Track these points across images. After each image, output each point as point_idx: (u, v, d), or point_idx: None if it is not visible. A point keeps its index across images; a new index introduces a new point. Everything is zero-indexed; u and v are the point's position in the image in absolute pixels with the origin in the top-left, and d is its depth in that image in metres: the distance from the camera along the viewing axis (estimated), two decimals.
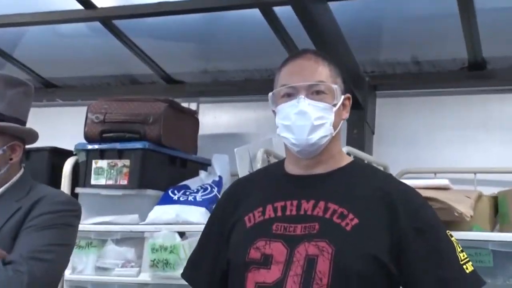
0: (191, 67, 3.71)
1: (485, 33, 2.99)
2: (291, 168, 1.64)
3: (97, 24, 3.31)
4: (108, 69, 3.83)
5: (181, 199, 2.90)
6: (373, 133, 3.43)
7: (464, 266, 1.45)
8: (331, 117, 1.55)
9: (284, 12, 2.97)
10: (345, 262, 1.43)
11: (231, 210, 1.68)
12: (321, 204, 1.51)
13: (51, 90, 4.09)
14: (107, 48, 3.56)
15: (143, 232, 2.80)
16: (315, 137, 1.53)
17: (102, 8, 3.13)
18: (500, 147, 3.28)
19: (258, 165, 2.80)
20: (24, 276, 1.76)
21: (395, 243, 1.45)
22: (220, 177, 3.05)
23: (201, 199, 2.88)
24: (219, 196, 2.90)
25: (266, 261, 1.50)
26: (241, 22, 3.25)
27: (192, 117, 3.41)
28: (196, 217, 2.78)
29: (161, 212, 2.85)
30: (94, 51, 3.65)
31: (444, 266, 1.44)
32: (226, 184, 3.03)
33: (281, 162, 1.74)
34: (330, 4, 2.75)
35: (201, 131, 3.53)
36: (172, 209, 2.84)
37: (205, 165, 3.36)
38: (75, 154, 3.11)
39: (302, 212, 1.53)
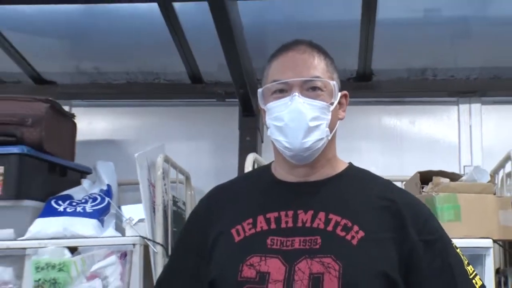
0: (64, 66, 3.40)
1: (378, 45, 3.04)
2: (283, 174, 1.47)
3: None
4: None
5: (68, 210, 2.60)
6: (262, 141, 3.33)
7: (474, 281, 1.38)
8: (327, 117, 1.39)
9: (182, 10, 2.82)
10: (355, 280, 1.28)
11: (210, 222, 1.48)
12: (321, 215, 1.36)
13: None
14: None
15: (24, 248, 2.46)
16: (310, 140, 1.37)
17: None
18: (381, 156, 3.37)
19: (159, 173, 2.63)
20: None
21: (404, 258, 1.33)
22: (108, 185, 2.81)
23: (91, 210, 2.61)
24: (111, 207, 2.67)
25: (262, 280, 1.31)
26: (127, 17, 3.04)
27: (71, 121, 3.09)
28: (88, 230, 2.53)
29: (45, 226, 2.54)
30: None
31: (456, 283, 1.35)
32: (115, 193, 2.81)
33: (266, 168, 1.56)
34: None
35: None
36: (58, 222, 2.54)
37: (85, 173, 3.08)
38: None
39: (299, 224, 1.36)
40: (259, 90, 1.45)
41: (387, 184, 1.48)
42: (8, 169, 2.60)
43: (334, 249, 1.31)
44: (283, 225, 1.37)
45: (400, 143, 3.40)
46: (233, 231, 1.40)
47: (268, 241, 1.35)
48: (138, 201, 2.83)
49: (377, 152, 3.40)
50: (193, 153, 3.35)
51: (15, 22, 3.04)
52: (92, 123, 3.45)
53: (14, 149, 2.61)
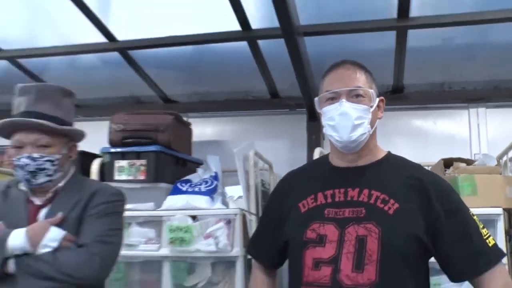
0: (184, 90, 3.50)
1: (408, 66, 2.99)
2: (336, 161, 1.47)
3: (111, 54, 3.07)
4: (117, 92, 3.55)
5: (188, 190, 2.70)
6: (323, 138, 3.33)
7: (487, 241, 1.34)
8: (368, 117, 1.38)
9: (264, 45, 2.87)
10: (391, 241, 1.28)
11: (285, 198, 1.51)
12: (365, 191, 1.36)
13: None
14: (118, 74, 3.31)
15: (161, 216, 2.57)
16: (355, 134, 1.37)
17: (122, 41, 2.88)
18: (411, 150, 3.30)
19: (251, 163, 2.68)
20: (96, 257, 1.56)
21: (430, 224, 1.31)
22: (215, 172, 2.87)
23: (205, 190, 2.69)
24: (218, 188, 2.75)
25: (321, 240, 1.34)
26: (225, 53, 3.09)
27: (188, 128, 3.20)
28: (203, 204, 2.61)
29: (174, 201, 2.65)
30: (107, 77, 3.38)
31: (473, 242, 1.32)
32: (220, 178, 2.88)
33: (325, 157, 1.56)
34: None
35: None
36: (182, 198, 2.65)
37: (199, 164, 3.18)
38: (101, 156, 2.85)
39: (349, 198, 1.37)
40: (316, 98, 1.45)
41: (417, 167, 1.46)
42: (148, 162, 2.74)
43: (375, 217, 1.31)
44: (336, 200, 1.38)
45: (425, 139, 3.34)
46: (300, 204, 1.43)
47: (325, 211, 1.37)
48: (236, 183, 2.92)
49: (408, 146, 3.34)
50: (274, 149, 3.37)
51: (152, 61, 3.17)
52: (202, 129, 3.54)
53: (152, 148, 2.75)
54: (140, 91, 3.52)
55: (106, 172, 2.78)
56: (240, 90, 3.41)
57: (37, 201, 1.70)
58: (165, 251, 2.52)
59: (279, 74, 3.20)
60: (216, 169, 2.90)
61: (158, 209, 2.63)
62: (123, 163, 2.78)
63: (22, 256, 1.54)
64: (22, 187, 1.71)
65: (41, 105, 1.68)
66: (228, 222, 2.45)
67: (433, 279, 1.75)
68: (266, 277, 1.60)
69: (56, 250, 1.56)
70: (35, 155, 1.64)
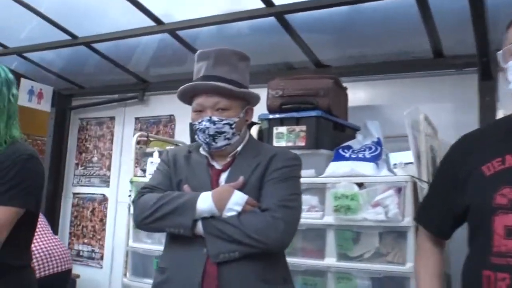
0: (337, 53, 3.32)
1: None
2: None
3: (262, 21, 3.00)
4: (269, 59, 3.50)
5: (352, 156, 2.55)
6: (498, 100, 2.92)
7: None
8: None
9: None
10: None
11: (461, 162, 1.34)
12: None
13: None
14: (270, 41, 3.23)
15: (324, 183, 2.47)
16: None
17: (279, 5, 2.78)
18: None
19: (421, 127, 2.45)
20: (280, 222, 1.51)
21: None
22: (378, 138, 2.67)
23: (369, 156, 2.51)
24: (382, 154, 2.56)
25: None
26: (385, 10, 2.80)
27: (345, 92, 3.03)
28: (368, 170, 2.43)
29: (337, 167, 2.52)
30: (257, 44, 3.33)
31: None
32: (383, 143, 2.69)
33: (509, 117, 1.36)
34: None
35: None
36: (346, 165, 2.49)
37: (355, 130, 3.00)
38: (259, 123, 2.82)
39: None
40: (499, 52, 1.26)
41: None
42: (308, 127, 2.64)
43: None
44: None
45: None
46: (484, 167, 1.26)
47: None
48: (397, 150, 2.71)
49: None
50: (436, 113, 3.05)
51: (305, 25, 3.03)
52: (356, 94, 3.34)
53: (313, 113, 2.63)
54: (292, 57, 3.42)
55: (264, 138, 2.74)
56: (399, 51, 3.12)
57: (217, 165, 1.70)
58: (329, 219, 2.42)
59: (446, 31, 2.85)
60: (378, 134, 2.69)
61: (321, 176, 2.52)
62: (282, 129, 2.72)
63: (209, 219, 1.55)
64: (202, 151, 1.72)
65: (219, 69, 1.66)
66: (398, 190, 2.26)
67: None
68: (435, 247, 1.45)
69: (239, 214, 1.54)
70: (215, 118, 1.63)
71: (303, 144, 2.64)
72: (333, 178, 2.45)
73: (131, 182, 3.14)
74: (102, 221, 4.42)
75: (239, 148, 1.69)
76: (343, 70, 3.34)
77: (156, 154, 3.15)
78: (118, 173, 4.41)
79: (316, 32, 3.08)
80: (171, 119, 4.17)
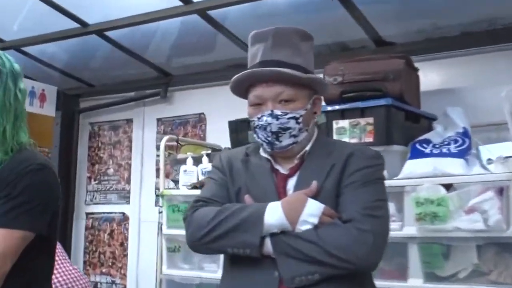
0: (403, 27, 3.27)
1: None
2: None
3: None
4: (317, 40, 3.47)
5: (434, 152, 2.51)
6: None
7: None
8: None
9: None
10: None
11: None
12: None
13: None
14: (315, 19, 3.21)
15: (402, 186, 2.44)
16: None
17: None
18: None
19: None
20: (368, 235, 1.49)
21: None
22: (464, 128, 2.63)
23: (456, 151, 2.48)
24: (472, 147, 2.51)
25: None
26: None
27: (416, 74, 2.99)
28: (457, 168, 2.40)
29: (415, 166, 2.49)
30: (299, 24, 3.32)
31: None
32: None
33: None
34: None
35: None
36: (427, 163, 2.47)
37: (431, 119, 2.95)
38: None
39: None
40: None
41: None
42: (377, 119, 2.62)
43: None
44: None
45: None
46: None
47: None
48: (486, 142, 2.65)
49: None
50: None
51: None
52: (428, 75, 3.28)
53: (381, 101, 2.61)
54: (346, 35, 3.39)
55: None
56: (484, 18, 3.05)
57: (282, 169, 1.69)
58: (410, 230, 2.39)
59: None
60: (464, 123, 2.66)
61: (397, 178, 2.50)
62: (344, 123, 2.70)
63: (279, 235, 1.54)
64: (263, 153, 1.72)
65: (280, 52, 1.66)
66: (499, 191, 2.21)
67: None
68: None
69: (316, 227, 1.53)
70: (278, 111, 1.63)
71: (370, 140, 2.62)
72: (413, 179, 2.42)
73: (162, 196, 3.18)
74: (123, 246, 4.48)
75: (307, 147, 1.68)
76: (410, 48, 3.28)
77: (190, 161, 3.18)
78: (140, 187, 4.46)
79: (376, 2, 3.05)
80: (200, 119, 4.20)
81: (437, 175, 2.40)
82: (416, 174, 2.45)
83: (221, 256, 2.85)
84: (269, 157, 1.70)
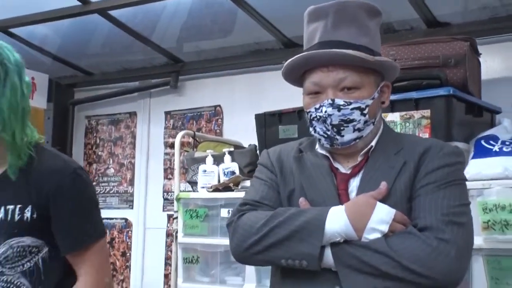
0: (463, 4, 3.23)
1: None
2: None
3: None
4: None
5: (504, 150, 2.48)
6: None
7: None
8: None
9: None
10: None
11: None
12: None
13: (292, 50, 3.74)
14: None
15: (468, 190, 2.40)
16: None
17: None
18: None
19: None
20: (450, 246, 1.46)
21: None
22: None
23: None
24: None
25: None
26: None
27: (478, 60, 2.95)
28: None
29: (482, 166, 2.45)
30: None
31: None
32: None
33: None
34: None
35: None
36: (495, 162, 2.43)
37: (495, 112, 2.94)
38: None
39: None
40: None
41: None
42: (434, 112, 2.59)
43: None
44: None
45: None
46: None
47: None
48: None
49: None
50: None
51: None
52: (488, 62, 3.25)
53: (441, 91, 2.57)
54: (392, 15, 3.35)
55: None
56: None
57: (343, 168, 1.67)
58: (476, 240, 2.35)
59: None
60: None
61: None
62: (394, 116, 2.68)
63: (341, 244, 1.52)
64: (320, 150, 1.70)
65: (343, 31, 1.64)
66: None
67: None
68: None
69: (385, 236, 1.51)
70: (340, 101, 1.60)
71: (426, 136, 2.59)
72: (480, 182, 2.38)
73: (178, 199, 3.15)
74: (125, 256, 4.48)
75: (373, 142, 1.65)
76: (469, 29, 3.24)
77: (209, 160, 3.16)
78: (145, 189, 4.46)
79: None
80: (216, 112, 4.18)
81: (509, 177, 2.36)
82: (483, 176, 2.42)
83: (247, 268, 2.89)
84: (327, 154, 1.68)
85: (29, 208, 1.69)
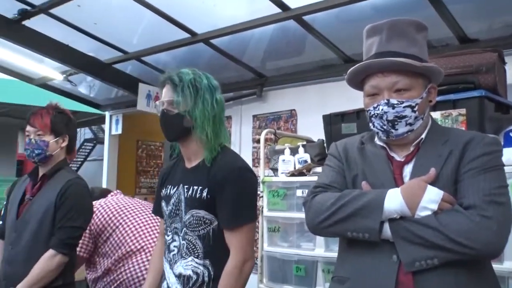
0: (490, 23, 2.94)
1: None
2: None
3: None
4: None
5: None
6: None
7: None
8: None
9: None
10: None
11: None
12: None
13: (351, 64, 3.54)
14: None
15: None
16: None
17: None
18: None
19: None
20: (492, 222, 1.27)
21: None
22: None
23: None
24: None
25: None
26: None
27: (504, 68, 2.65)
28: None
29: (511, 154, 2.18)
30: None
31: None
32: None
33: None
34: None
35: None
36: None
37: None
38: None
39: None
40: None
41: None
42: (469, 110, 2.35)
43: None
44: None
45: None
46: None
47: None
48: None
49: None
50: None
51: None
52: (510, 69, 2.93)
53: (474, 93, 2.33)
54: (430, 33, 3.10)
55: None
56: None
57: (398, 157, 1.50)
58: None
59: None
60: None
61: None
62: (435, 114, 2.43)
63: (398, 220, 1.35)
64: (378, 141, 1.53)
65: (395, 43, 1.47)
66: None
67: None
68: None
69: (435, 213, 1.33)
70: (394, 100, 1.44)
71: (463, 129, 2.34)
72: (509, 167, 2.10)
73: (263, 182, 3.04)
74: None
75: (423, 135, 1.48)
76: (494, 43, 2.95)
77: (287, 152, 3.02)
78: None
79: (461, 1, 2.76)
80: (292, 114, 4.04)
81: None
82: None
83: (318, 236, 2.73)
84: (384, 145, 1.51)
85: (206, 190, 1.74)
